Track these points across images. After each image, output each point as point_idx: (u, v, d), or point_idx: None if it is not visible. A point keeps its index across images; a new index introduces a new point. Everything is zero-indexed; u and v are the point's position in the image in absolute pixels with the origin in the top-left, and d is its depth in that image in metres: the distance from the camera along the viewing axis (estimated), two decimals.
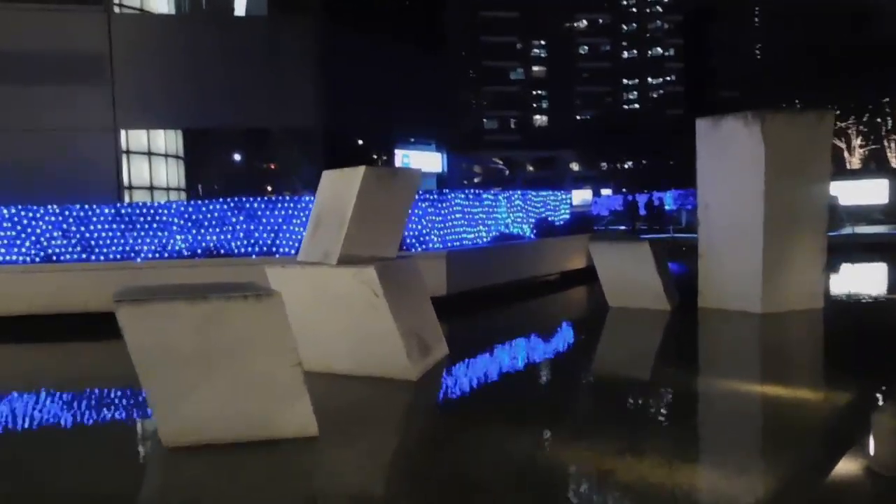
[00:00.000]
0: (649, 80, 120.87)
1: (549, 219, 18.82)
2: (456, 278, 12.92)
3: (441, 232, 14.32)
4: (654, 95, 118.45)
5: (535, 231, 17.30)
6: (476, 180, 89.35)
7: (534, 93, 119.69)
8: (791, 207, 10.57)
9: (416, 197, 14.04)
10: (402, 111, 31.89)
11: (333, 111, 23.20)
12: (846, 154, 54.16)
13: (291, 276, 7.33)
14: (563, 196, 20.51)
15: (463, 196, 15.30)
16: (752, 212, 10.58)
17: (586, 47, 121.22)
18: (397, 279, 7.37)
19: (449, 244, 14.42)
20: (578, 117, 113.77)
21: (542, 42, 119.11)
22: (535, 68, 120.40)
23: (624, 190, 62.84)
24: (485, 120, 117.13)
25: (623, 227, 34.81)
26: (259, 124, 19.18)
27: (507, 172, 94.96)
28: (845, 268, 18.73)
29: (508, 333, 10.27)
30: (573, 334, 10.41)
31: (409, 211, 8.31)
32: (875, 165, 45.71)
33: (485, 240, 15.65)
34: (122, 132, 21.53)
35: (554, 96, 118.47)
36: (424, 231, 13.90)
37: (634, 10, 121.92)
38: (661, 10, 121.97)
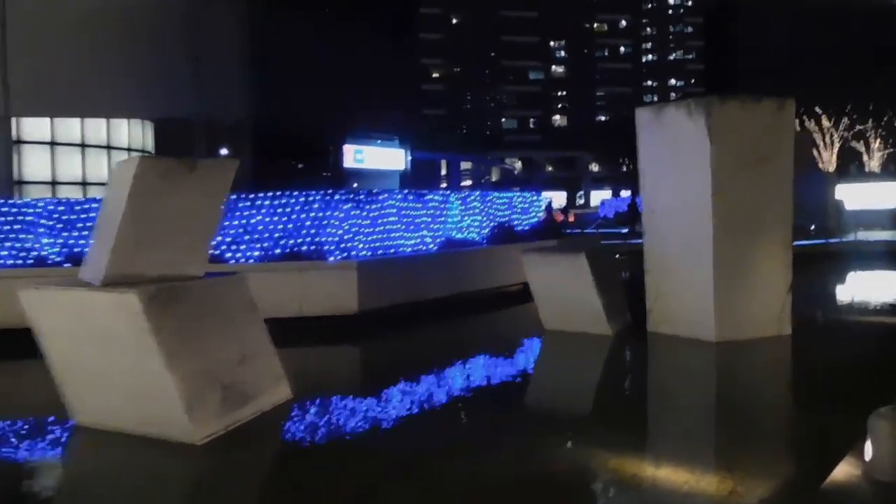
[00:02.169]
0: (671, 81, 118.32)
1: (513, 223, 17.03)
2: (372, 293, 11.20)
3: (369, 238, 12.61)
4: (675, 97, 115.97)
5: (491, 236, 15.51)
6: (493, 179, 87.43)
7: (555, 93, 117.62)
8: (747, 214, 8.73)
9: (339, 197, 12.38)
10: (357, 102, 29.45)
11: (270, 100, 21.29)
12: (865, 157, 51.72)
13: (48, 301, 5.64)
14: (534, 197, 18.69)
15: (400, 196, 13.57)
16: (700, 219, 8.74)
17: (606, 51, 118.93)
18: (190, 306, 5.66)
19: (380, 252, 12.72)
20: (603, 118, 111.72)
21: (563, 42, 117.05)
22: (555, 68, 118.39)
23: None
24: (503, 119, 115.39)
25: (625, 230, 33.08)
26: (178, 114, 17.34)
27: (516, 172, 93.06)
28: (837, 280, 16.71)
29: (399, 366, 8.53)
30: (480, 371, 8.55)
31: (221, 213, 6.57)
32: (895, 169, 43.26)
33: (430, 246, 13.93)
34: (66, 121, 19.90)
35: (574, 97, 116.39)
36: (346, 237, 12.19)
37: (656, 11, 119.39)
38: (682, 11, 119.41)
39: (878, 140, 50.85)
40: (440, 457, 5.39)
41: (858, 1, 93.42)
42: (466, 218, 15.59)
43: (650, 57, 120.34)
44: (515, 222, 17.30)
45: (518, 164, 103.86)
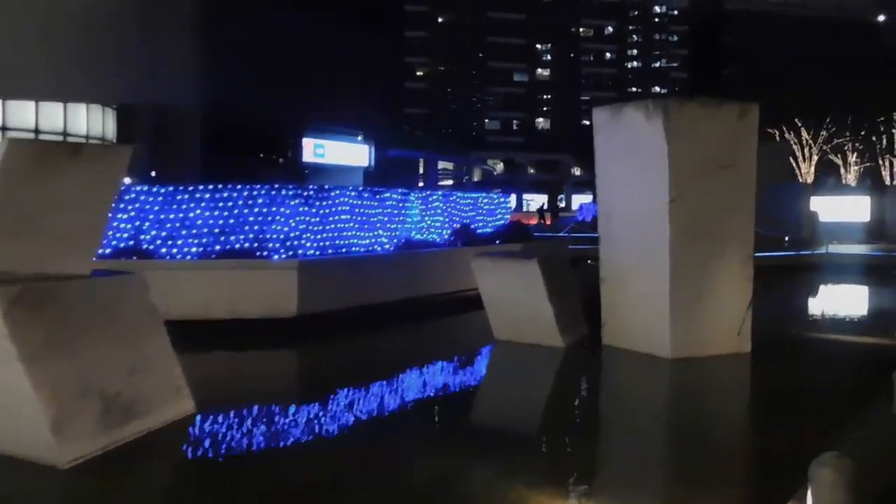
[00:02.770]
0: (654, 88, 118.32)
1: (476, 224, 16.46)
2: (315, 295, 10.56)
3: (319, 236, 11.99)
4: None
5: (452, 238, 14.93)
6: (476, 180, 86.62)
7: (540, 96, 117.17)
8: (706, 223, 8.19)
9: (287, 192, 11.72)
10: (319, 94, 28.18)
11: (226, 88, 20.32)
12: (843, 170, 51.66)
13: None
14: (500, 199, 18.15)
15: (354, 194, 12.94)
16: (656, 227, 8.19)
17: (592, 56, 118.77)
18: (66, 308, 5.02)
19: (330, 252, 12.10)
20: (587, 122, 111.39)
21: (549, 46, 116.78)
22: (541, 71, 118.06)
23: None
24: (487, 120, 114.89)
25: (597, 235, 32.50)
26: (131, 100, 16.38)
27: (495, 174, 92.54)
28: (804, 295, 16.22)
29: (329, 377, 7.94)
30: (414, 386, 7.87)
31: (111, 205, 5.92)
32: (871, 183, 43.06)
33: (386, 247, 13.33)
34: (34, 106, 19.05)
35: (558, 100, 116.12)
36: (293, 234, 11.56)
37: (641, 19, 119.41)
38: (667, 20, 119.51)
39: (855, 154, 50.77)
40: (353, 485, 4.80)
41: (842, 16, 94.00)
42: (427, 218, 15.01)
43: (635, 63, 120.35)
44: (480, 224, 16.74)
45: (500, 166, 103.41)
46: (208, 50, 17.86)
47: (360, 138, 32.26)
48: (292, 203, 11.63)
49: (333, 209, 12.33)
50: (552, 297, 9.12)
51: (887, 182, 45.92)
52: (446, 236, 15.15)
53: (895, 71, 66.42)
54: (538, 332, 9.25)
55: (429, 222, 15.05)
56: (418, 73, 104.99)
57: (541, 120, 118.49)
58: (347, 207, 12.62)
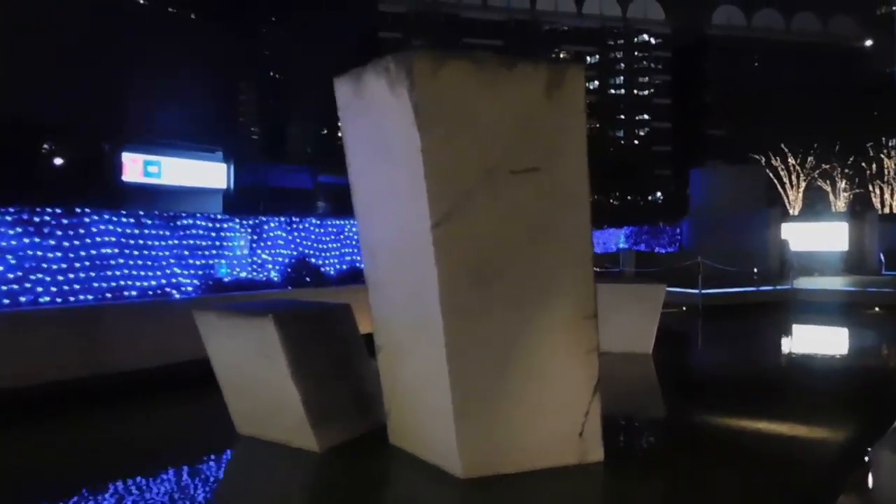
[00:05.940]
0: (637, 116, 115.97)
1: (341, 258, 13.21)
2: None
3: (61, 277, 8.70)
4: (641, 133, 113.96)
5: (284, 277, 11.64)
6: None
7: None
8: (503, 262, 4.92)
9: (3, 217, 8.43)
10: (150, 99, 24.09)
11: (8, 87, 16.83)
12: (832, 197, 48.83)
13: None
14: None
15: (130, 220, 9.64)
16: (423, 269, 4.93)
17: None
18: None
19: (88, 297, 8.82)
20: None
21: None
22: None
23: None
24: None
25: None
26: None
27: None
28: (747, 347, 12.34)
29: None
30: None
31: None
32: (860, 209, 39.97)
33: (187, 288, 10.07)
34: None
35: None
36: (13, 276, 8.28)
37: (622, 44, 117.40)
38: (651, 42, 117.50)
39: (845, 180, 47.99)
40: None
41: (828, 42, 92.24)
42: (262, 252, 11.78)
43: (621, 91, 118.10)
44: (347, 257, 13.51)
45: None
46: None
47: (219, 156, 27.90)
48: (11, 232, 8.36)
49: (88, 240, 9.06)
50: (301, 376, 5.86)
51: (878, 209, 43.09)
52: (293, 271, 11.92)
53: (882, 96, 64.30)
54: (285, 426, 6.00)
55: (264, 256, 11.81)
56: None
57: None
58: (114, 238, 9.36)
